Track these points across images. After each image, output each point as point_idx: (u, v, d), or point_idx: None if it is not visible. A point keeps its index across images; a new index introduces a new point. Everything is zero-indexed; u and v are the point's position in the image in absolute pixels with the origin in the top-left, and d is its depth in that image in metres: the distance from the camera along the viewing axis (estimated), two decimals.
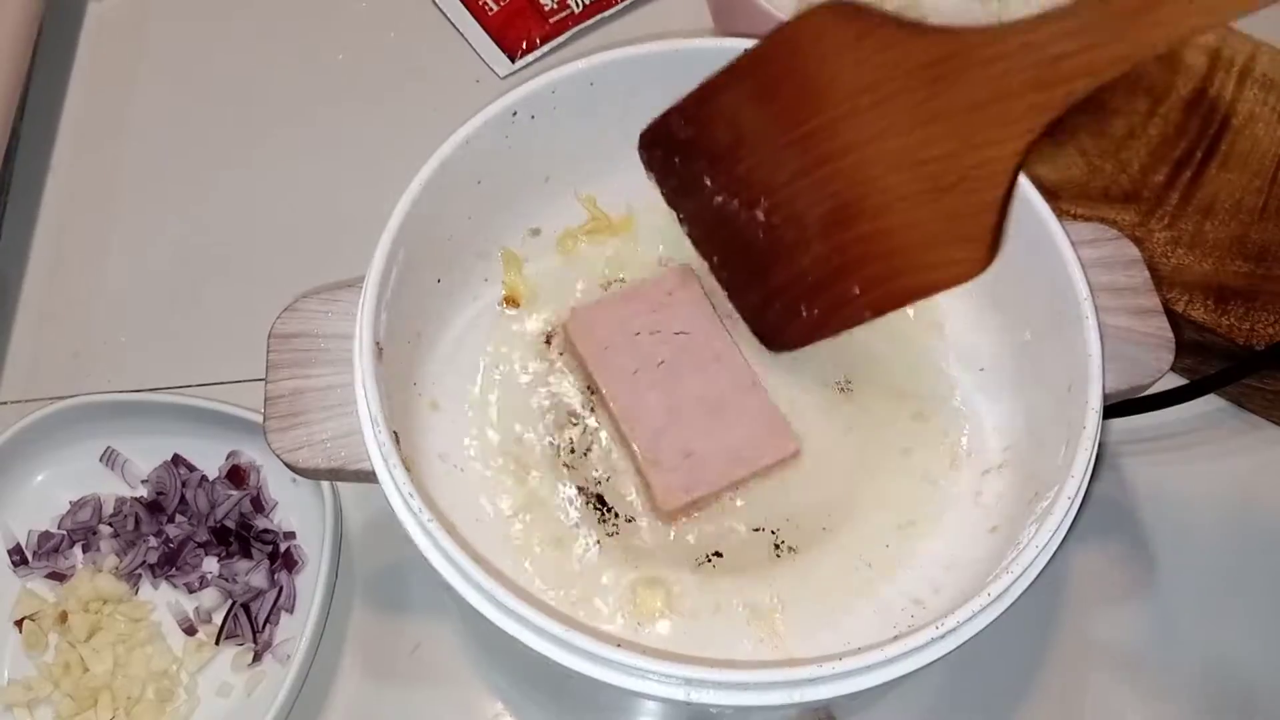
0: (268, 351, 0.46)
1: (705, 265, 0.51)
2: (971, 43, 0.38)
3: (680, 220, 0.50)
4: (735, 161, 0.46)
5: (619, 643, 0.39)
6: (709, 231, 0.49)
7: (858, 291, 0.45)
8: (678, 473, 0.47)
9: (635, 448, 0.48)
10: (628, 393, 0.49)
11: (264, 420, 0.45)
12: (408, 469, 0.42)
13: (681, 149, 0.47)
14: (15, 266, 0.66)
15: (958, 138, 0.40)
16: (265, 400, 0.45)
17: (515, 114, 0.49)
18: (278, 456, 0.45)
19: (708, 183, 0.47)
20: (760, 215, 0.46)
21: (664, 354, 0.50)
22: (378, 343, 0.44)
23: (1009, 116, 0.38)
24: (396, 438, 0.43)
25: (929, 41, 0.39)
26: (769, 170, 0.45)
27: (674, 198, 0.50)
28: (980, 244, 0.41)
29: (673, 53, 0.50)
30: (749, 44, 0.50)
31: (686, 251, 0.54)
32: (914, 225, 0.42)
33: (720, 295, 0.51)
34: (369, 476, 0.43)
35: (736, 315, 0.51)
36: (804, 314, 0.47)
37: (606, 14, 0.73)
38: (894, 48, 0.40)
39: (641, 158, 0.49)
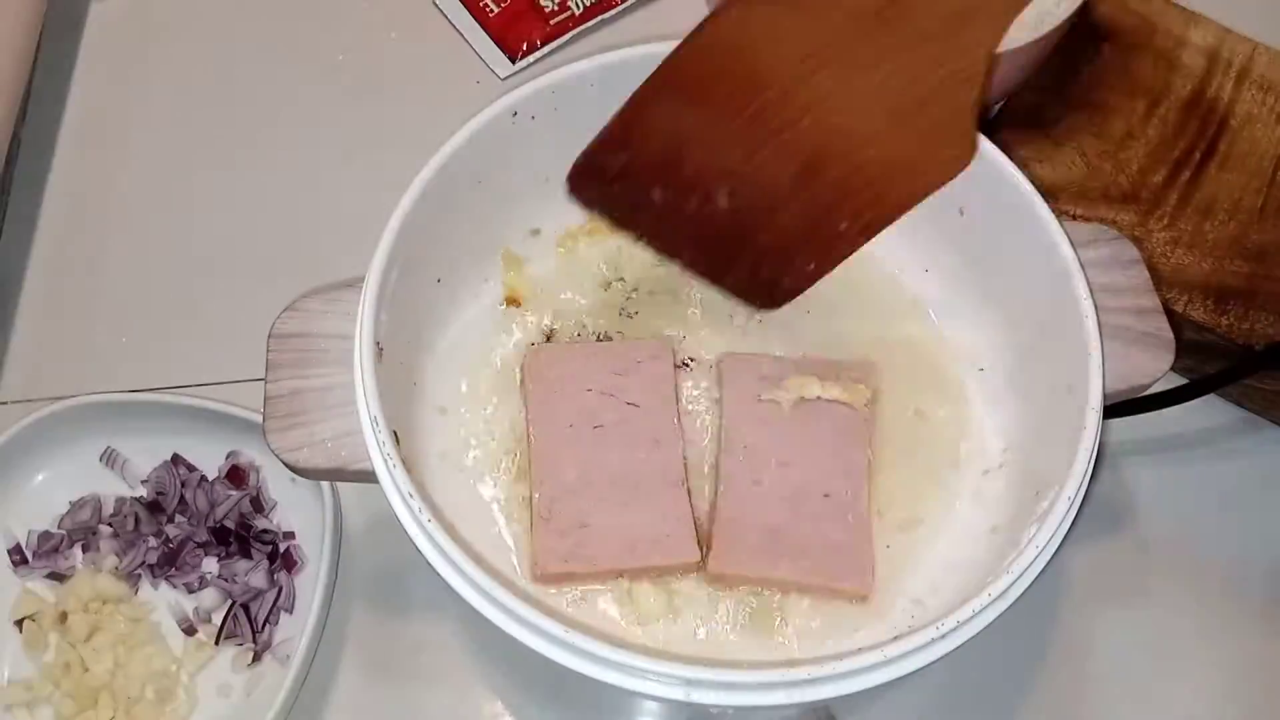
0: (268, 351, 0.46)
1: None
2: None
3: (637, 238, 0.49)
4: (681, 164, 0.45)
5: (619, 643, 0.39)
6: (670, 237, 0.48)
7: (845, 226, 0.45)
8: (565, 539, 0.46)
9: (535, 497, 0.47)
10: (552, 443, 0.47)
11: (264, 420, 0.45)
12: (408, 469, 0.42)
13: (619, 175, 0.46)
14: (15, 266, 0.66)
15: (919, 63, 0.41)
16: (265, 400, 0.45)
17: (515, 114, 0.49)
18: (277, 457, 0.45)
19: (657, 195, 0.46)
20: (723, 200, 0.45)
21: (606, 419, 0.48)
22: (378, 343, 0.44)
23: (973, 29, 0.40)
24: (396, 438, 0.43)
25: None
26: (721, 158, 0.45)
27: (624, 221, 0.49)
28: (961, 142, 0.43)
29: None
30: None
31: None
32: (889, 152, 0.43)
33: (686, 385, 0.50)
34: (369, 476, 0.43)
35: (694, 406, 0.50)
36: (796, 263, 0.47)
37: (607, 15, 0.73)
38: (823, 13, 0.41)
39: (576, 199, 0.47)
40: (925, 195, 0.45)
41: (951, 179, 0.44)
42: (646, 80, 0.44)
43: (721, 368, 0.50)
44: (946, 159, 0.44)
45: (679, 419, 0.49)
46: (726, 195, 0.45)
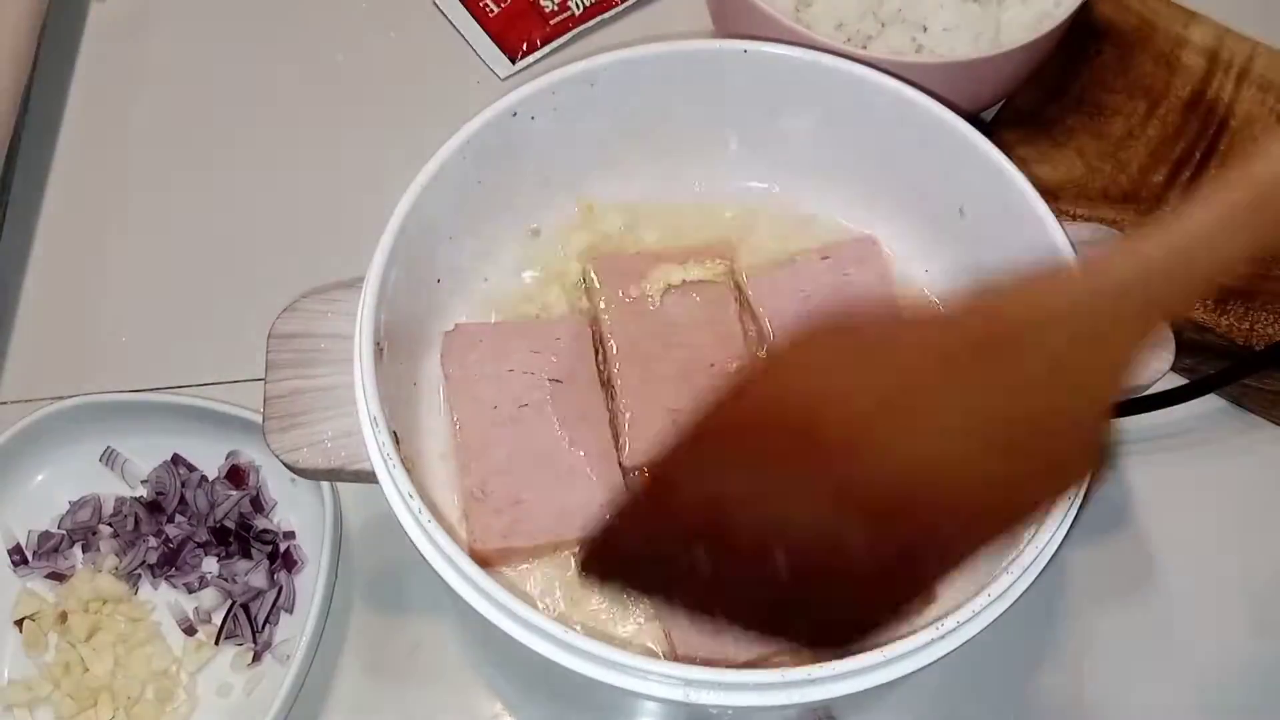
0: (267, 351, 0.46)
1: (604, 368, 0.49)
2: (1016, 316, 0.33)
3: (668, 606, 0.42)
4: (726, 529, 0.36)
5: (619, 643, 0.39)
6: (708, 603, 0.39)
7: (931, 565, 0.37)
8: (501, 516, 0.46)
9: (466, 482, 0.47)
10: (479, 424, 0.47)
11: (263, 420, 0.45)
12: (408, 469, 0.42)
13: (648, 548, 0.38)
14: (15, 266, 0.66)
15: (1033, 394, 0.34)
16: (265, 400, 0.45)
17: (515, 115, 0.49)
18: (277, 457, 0.45)
19: (698, 562, 0.37)
20: (781, 561, 0.36)
21: (531, 398, 0.48)
22: (378, 343, 0.44)
23: (1100, 351, 0.33)
24: (396, 438, 0.43)
25: (958, 328, 0.34)
26: (775, 515, 0.35)
27: (649, 591, 0.40)
28: (1083, 458, 0.35)
29: (672, 54, 0.50)
30: (748, 46, 0.50)
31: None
32: (989, 491, 0.35)
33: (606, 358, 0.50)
34: (369, 477, 0.43)
35: (620, 380, 0.48)
36: (870, 607, 0.38)
37: (607, 15, 0.73)
38: (904, 356, 0.34)
39: (590, 579, 0.41)
40: (1030, 519, 0.39)
41: (1065, 494, 0.39)
42: (681, 441, 0.36)
43: (586, 274, 0.51)
44: (1061, 481, 0.36)
45: (607, 394, 0.49)
46: (785, 555, 0.36)
